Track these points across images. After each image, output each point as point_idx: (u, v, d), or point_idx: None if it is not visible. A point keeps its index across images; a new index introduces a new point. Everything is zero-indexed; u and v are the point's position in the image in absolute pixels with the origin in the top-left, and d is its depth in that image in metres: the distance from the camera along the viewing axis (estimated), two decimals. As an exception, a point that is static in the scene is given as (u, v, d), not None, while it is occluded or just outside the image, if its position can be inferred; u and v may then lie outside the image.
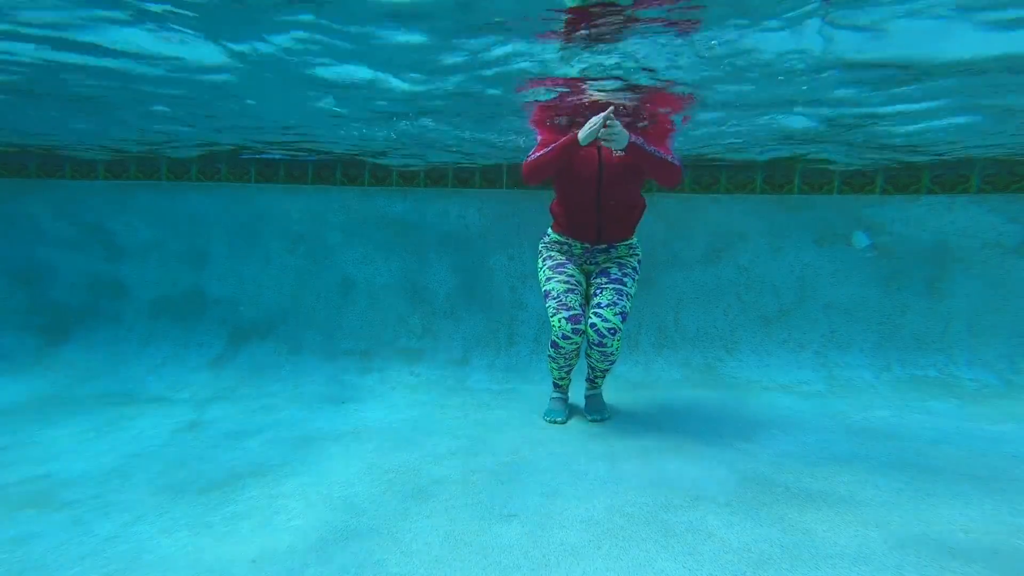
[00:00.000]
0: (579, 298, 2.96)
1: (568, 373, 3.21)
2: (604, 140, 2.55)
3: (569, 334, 2.84)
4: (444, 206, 4.65)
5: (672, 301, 4.43)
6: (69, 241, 4.84)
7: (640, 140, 2.61)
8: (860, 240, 4.20)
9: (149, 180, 4.80)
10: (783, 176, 4.31)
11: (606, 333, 2.82)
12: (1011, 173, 3.99)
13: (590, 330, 2.87)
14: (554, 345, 2.95)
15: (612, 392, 3.74)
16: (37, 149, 4.51)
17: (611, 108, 2.52)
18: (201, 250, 4.80)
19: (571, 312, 2.84)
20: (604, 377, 3.25)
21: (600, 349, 2.89)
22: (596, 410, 3.26)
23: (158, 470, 2.52)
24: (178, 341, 4.48)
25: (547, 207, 3.28)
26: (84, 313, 4.67)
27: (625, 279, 2.99)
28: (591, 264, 3.14)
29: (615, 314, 2.83)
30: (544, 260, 3.12)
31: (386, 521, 2.03)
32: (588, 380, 3.32)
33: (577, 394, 3.55)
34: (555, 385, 3.34)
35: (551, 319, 2.88)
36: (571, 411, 3.37)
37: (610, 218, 2.97)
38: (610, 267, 3.06)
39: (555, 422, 3.20)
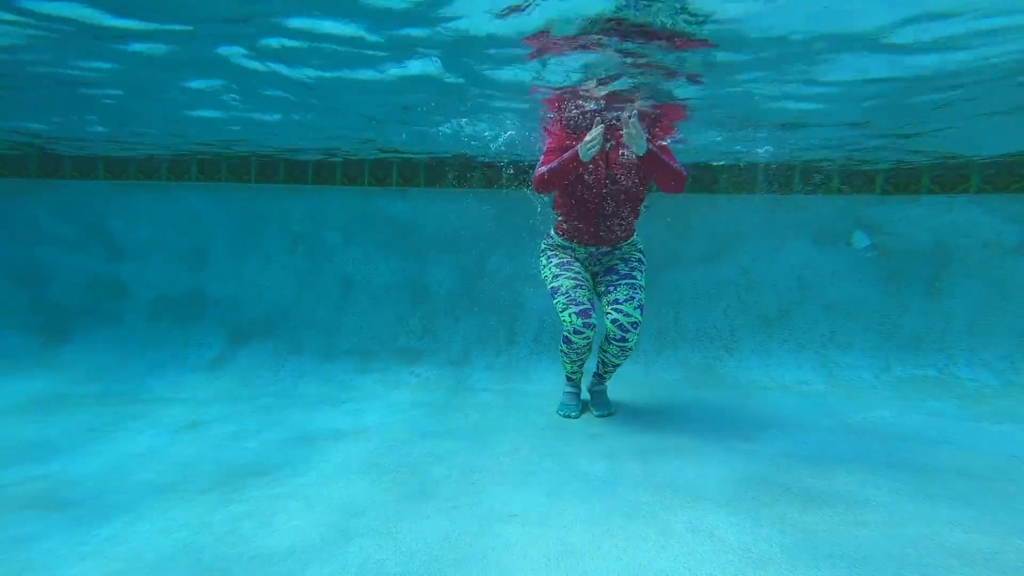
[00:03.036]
0: (588, 293, 2.95)
1: (581, 367, 3.22)
2: (625, 140, 2.61)
3: (581, 329, 2.83)
4: (444, 206, 4.65)
5: (672, 301, 4.43)
6: (69, 241, 4.84)
7: (656, 149, 2.69)
8: (860, 240, 4.20)
9: (149, 180, 4.80)
10: (783, 176, 4.31)
11: (629, 328, 2.86)
12: (1011, 173, 3.99)
13: (612, 326, 2.89)
14: (566, 341, 2.92)
15: (612, 392, 3.74)
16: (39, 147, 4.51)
17: (635, 111, 2.57)
18: (201, 250, 4.80)
19: (581, 307, 2.84)
20: (613, 372, 3.25)
21: (620, 344, 2.89)
22: (603, 405, 3.30)
23: (158, 470, 2.52)
24: (178, 341, 4.48)
25: (547, 208, 3.28)
26: (84, 313, 4.67)
27: (634, 273, 3.03)
28: (596, 265, 3.16)
29: (635, 308, 2.88)
30: (548, 259, 3.14)
31: (386, 521, 2.03)
32: (597, 375, 3.33)
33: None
34: (568, 379, 3.36)
35: (561, 315, 2.87)
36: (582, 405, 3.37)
37: (612, 222, 2.98)
38: (616, 264, 3.10)
39: (568, 416, 3.25)
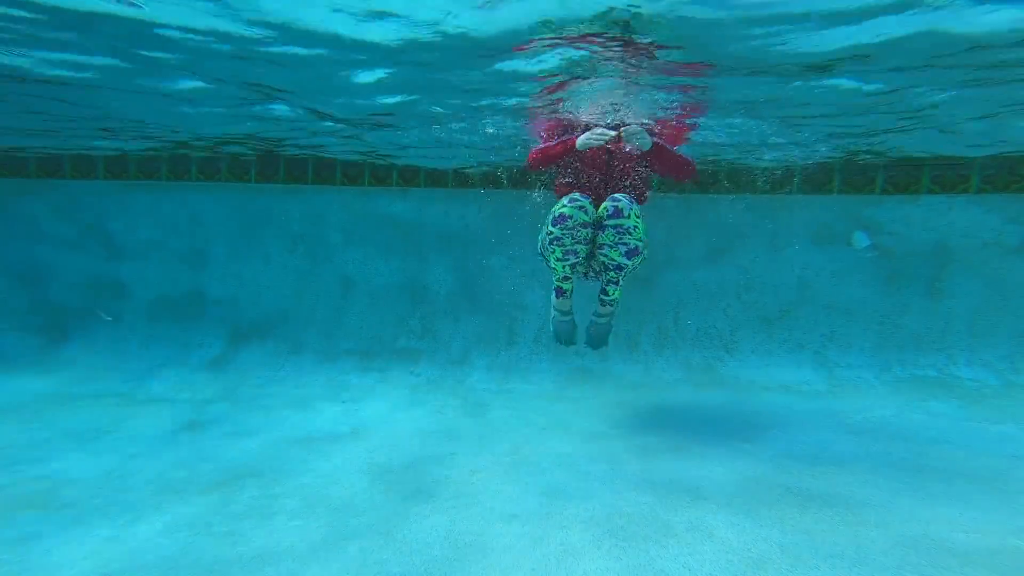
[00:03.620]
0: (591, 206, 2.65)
1: (572, 269, 2.79)
2: (626, 138, 2.63)
3: (578, 198, 2.54)
4: (444, 206, 4.65)
5: (672, 301, 4.43)
6: (69, 241, 4.83)
7: (661, 141, 2.75)
8: (860, 240, 4.20)
9: (149, 180, 4.80)
10: (783, 176, 4.31)
11: (625, 204, 2.52)
12: (1011, 173, 3.99)
13: (607, 203, 2.55)
14: (560, 219, 2.53)
15: (612, 392, 3.74)
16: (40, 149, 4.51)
17: (616, 133, 2.61)
18: (201, 250, 4.80)
19: (582, 196, 2.58)
20: (618, 286, 2.82)
21: (615, 225, 2.51)
22: (598, 339, 3.00)
23: (158, 470, 2.52)
24: (178, 341, 4.48)
25: (546, 207, 3.27)
26: (84, 313, 4.67)
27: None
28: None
29: (629, 200, 2.58)
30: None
31: (386, 521, 2.03)
32: (600, 296, 2.93)
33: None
34: (558, 290, 2.93)
35: (556, 206, 2.58)
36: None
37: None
38: None
39: (568, 344, 3.02)
